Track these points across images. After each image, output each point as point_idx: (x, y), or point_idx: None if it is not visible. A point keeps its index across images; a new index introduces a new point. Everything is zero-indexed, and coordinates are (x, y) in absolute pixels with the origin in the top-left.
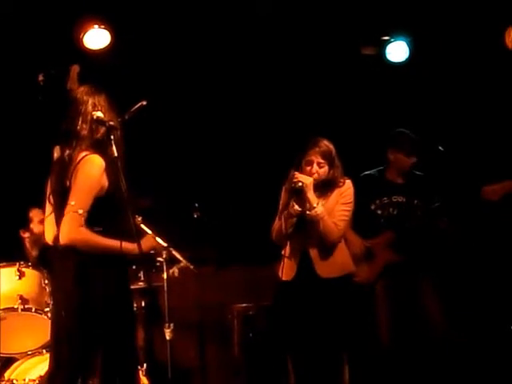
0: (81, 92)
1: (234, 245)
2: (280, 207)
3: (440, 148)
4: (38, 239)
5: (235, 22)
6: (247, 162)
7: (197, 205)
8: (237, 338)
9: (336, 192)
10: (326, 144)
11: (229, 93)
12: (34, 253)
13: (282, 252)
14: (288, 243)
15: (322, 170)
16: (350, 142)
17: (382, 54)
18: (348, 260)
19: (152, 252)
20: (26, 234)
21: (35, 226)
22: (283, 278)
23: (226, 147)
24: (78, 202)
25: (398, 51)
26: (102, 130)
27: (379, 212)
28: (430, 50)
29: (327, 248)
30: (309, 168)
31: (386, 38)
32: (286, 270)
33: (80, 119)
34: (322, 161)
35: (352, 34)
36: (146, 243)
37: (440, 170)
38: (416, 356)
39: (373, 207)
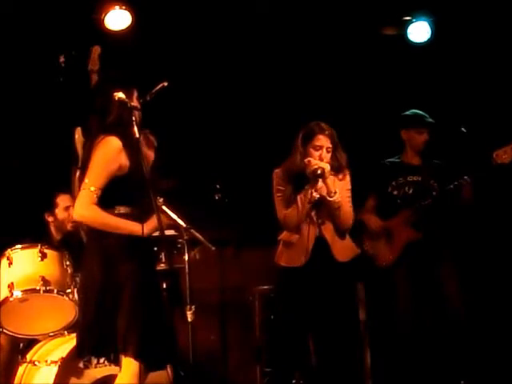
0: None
1: (255, 226)
2: (281, 194)
3: (463, 129)
4: (61, 225)
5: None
6: (268, 143)
7: (218, 186)
8: (258, 320)
9: (341, 177)
10: (329, 128)
11: (251, 74)
12: (58, 237)
13: (279, 238)
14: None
15: (329, 154)
16: (371, 124)
17: (403, 34)
18: (352, 242)
19: (158, 233)
20: (51, 219)
21: (60, 212)
22: (290, 264)
23: (247, 129)
24: (91, 180)
25: (419, 31)
26: (124, 110)
27: (395, 193)
28: (453, 30)
29: (341, 232)
30: (318, 153)
31: (408, 18)
32: (295, 256)
33: (101, 100)
34: (330, 146)
35: (373, 14)
36: (152, 223)
37: (462, 153)
38: (435, 340)
39: (389, 189)
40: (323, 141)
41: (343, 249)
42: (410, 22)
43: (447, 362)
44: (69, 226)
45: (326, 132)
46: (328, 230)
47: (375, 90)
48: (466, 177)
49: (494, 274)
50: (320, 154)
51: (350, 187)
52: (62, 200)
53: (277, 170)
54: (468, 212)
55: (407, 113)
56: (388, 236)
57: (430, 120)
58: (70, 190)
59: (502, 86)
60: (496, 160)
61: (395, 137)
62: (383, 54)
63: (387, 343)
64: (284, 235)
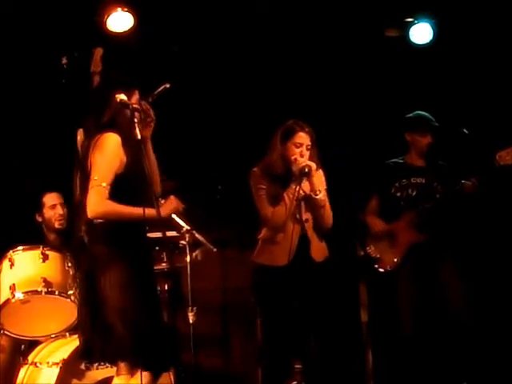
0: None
1: (256, 227)
2: (263, 193)
3: (465, 131)
4: (48, 224)
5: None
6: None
7: (220, 187)
8: (260, 321)
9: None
10: (308, 125)
11: (253, 74)
12: (51, 237)
13: (259, 237)
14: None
15: (308, 152)
16: (374, 125)
17: (405, 35)
18: (325, 244)
19: (175, 214)
20: (40, 219)
21: (46, 211)
22: (272, 263)
23: (248, 129)
24: (100, 176)
25: (421, 33)
26: (126, 112)
27: (398, 194)
28: (455, 31)
29: (323, 232)
30: (299, 150)
31: (410, 19)
32: (278, 255)
33: (103, 102)
34: (310, 143)
35: (375, 15)
36: (169, 206)
37: (464, 154)
38: (437, 341)
39: (392, 190)
40: (303, 138)
41: (320, 249)
42: (412, 24)
43: (449, 363)
44: (56, 225)
45: (306, 129)
46: (310, 229)
47: (377, 91)
48: (473, 178)
49: (496, 275)
50: (300, 151)
51: (325, 187)
52: (48, 199)
53: (254, 170)
54: (471, 213)
55: (411, 115)
56: (391, 238)
57: (435, 123)
58: (55, 189)
59: (504, 87)
60: (499, 161)
61: (398, 138)
62: (385, 55)
63: (389, 345)
64: (265, 234)
